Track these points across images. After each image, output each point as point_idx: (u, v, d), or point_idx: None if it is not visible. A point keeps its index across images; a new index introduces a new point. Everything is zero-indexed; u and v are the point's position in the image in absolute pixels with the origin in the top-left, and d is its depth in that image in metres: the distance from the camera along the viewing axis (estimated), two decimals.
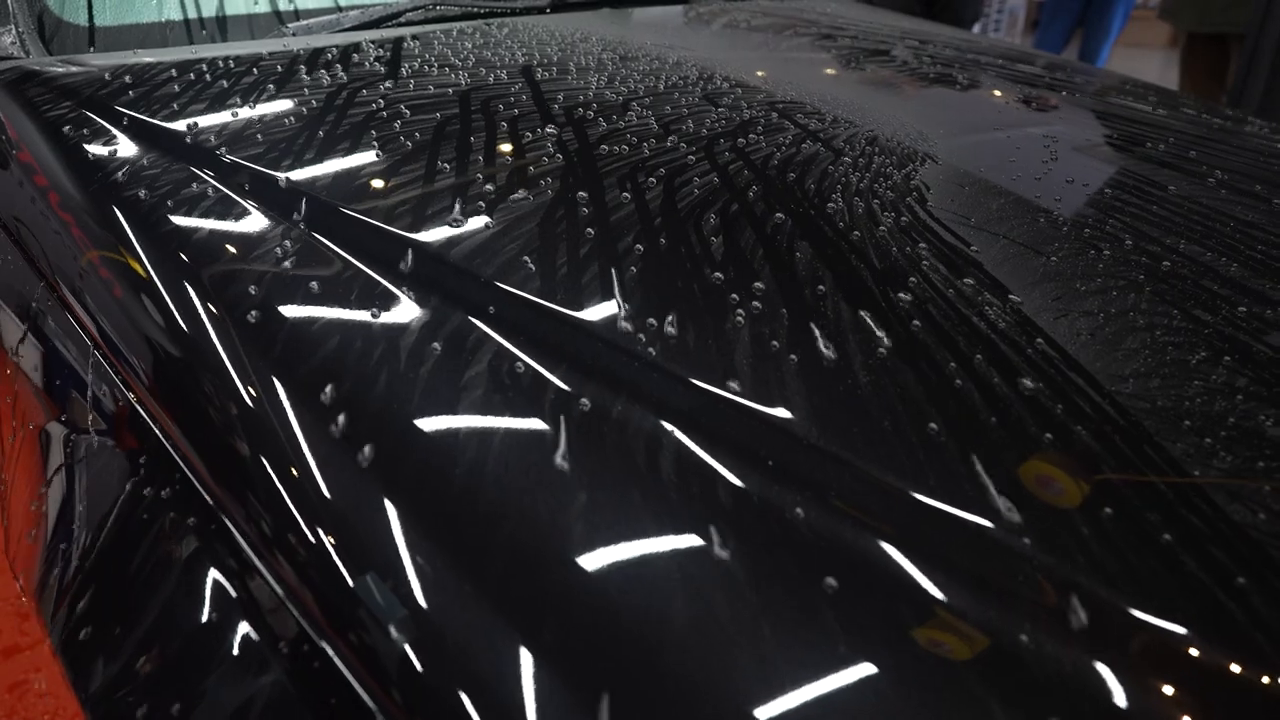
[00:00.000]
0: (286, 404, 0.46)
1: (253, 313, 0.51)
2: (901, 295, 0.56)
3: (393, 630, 0.37)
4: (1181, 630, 0.36)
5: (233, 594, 0.46)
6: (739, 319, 0.52)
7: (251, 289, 0.52)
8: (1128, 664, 0.35)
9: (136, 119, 0.71)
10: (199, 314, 0.52)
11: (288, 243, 0.56)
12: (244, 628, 0.44)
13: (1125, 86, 1.20)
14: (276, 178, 0.63)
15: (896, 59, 1.18)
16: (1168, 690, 0.34)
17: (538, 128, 0.75)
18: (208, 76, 0.79)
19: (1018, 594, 0.37)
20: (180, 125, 0.70)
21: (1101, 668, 0.34)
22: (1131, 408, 0.48)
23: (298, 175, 0.64)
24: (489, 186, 0.64)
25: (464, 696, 0.35)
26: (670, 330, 0.51)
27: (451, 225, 0.59)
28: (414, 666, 0.36)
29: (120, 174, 0.64)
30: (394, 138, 0.70)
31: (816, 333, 0.52)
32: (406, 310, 0.51)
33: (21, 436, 0.70)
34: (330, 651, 0.40)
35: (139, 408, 0.56)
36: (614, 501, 0.40)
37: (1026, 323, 0.54)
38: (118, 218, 0.60)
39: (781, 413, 0.45)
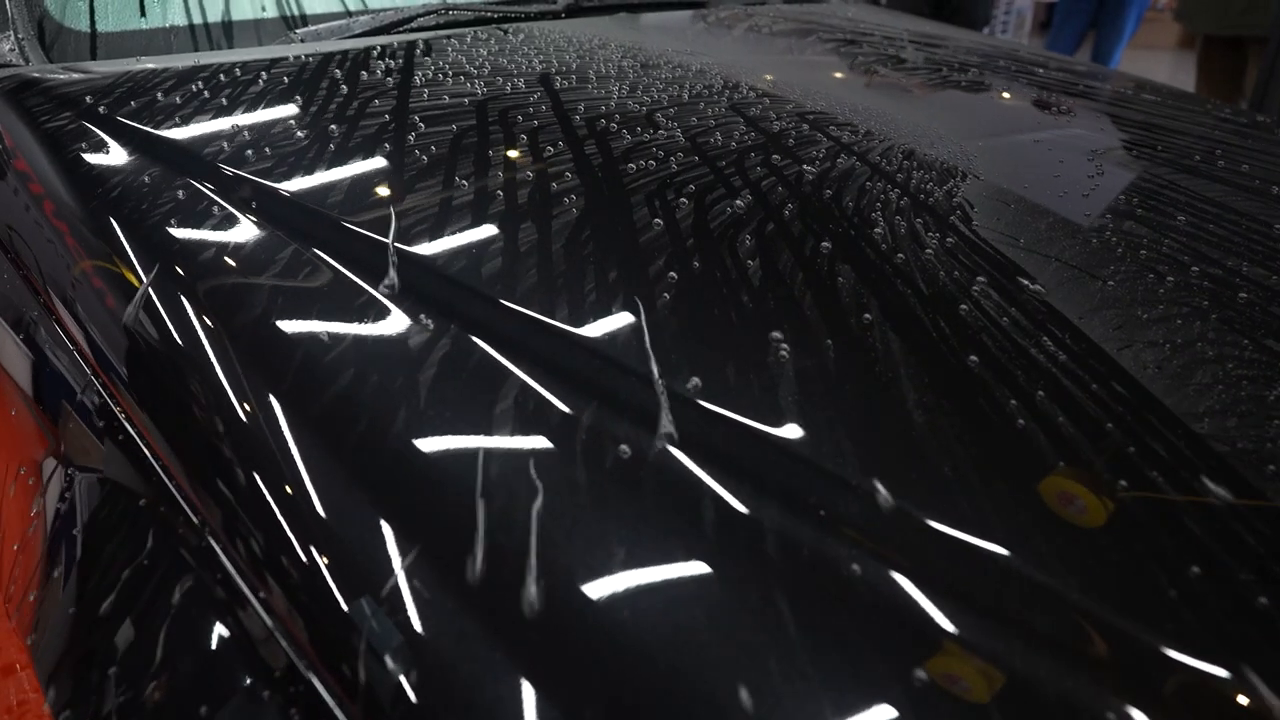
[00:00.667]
0: (282, 420, 0.44)
1: (250, 330, 0.49)
2: (951, 324, 0.53)
3: (388, 660, 0.35)
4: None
5: (223, 614, 0.44)
6: (781, 352, 0.49)
7: (251, 307, 0.50)
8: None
9: (136, 129, 0.68)
10: (195, 328, 0.51)
11: (287, 260, 0.54)
12: (235, 651, 0.43)
13: (1171, 100, 1.15)
14: (279, 191, 0.61)
15: (928, 66, 1.15)
16: None
17: (559, 140, 0.71)
18: (212, 84, 0.76)
19: (1099, 639, 0.33)
20: (181, 135, 0.67)
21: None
22: (1213, 450, 0.44)
23: (301, 189, 0.61)
24: (505, 204, 0.61)
25: None
26: (695, 360, 0.47)
27: (472, 250, 0.56)
28: (408, 696, 0.34)
29: (118, 186, 0.61)
30: (408, 151, 0.67)
31: (863, 364, 0.48)
32: (409, 330, 0.48)
33: (10, 451, 0.68)
34: (318, 682, 0.39)
35: (128, 424, 0.54)
36: (620, 529, 0.38)
37: (1092, 353, 0.51)
38: (114, 230, 0.58)
39: (832, 457, 0.42)
